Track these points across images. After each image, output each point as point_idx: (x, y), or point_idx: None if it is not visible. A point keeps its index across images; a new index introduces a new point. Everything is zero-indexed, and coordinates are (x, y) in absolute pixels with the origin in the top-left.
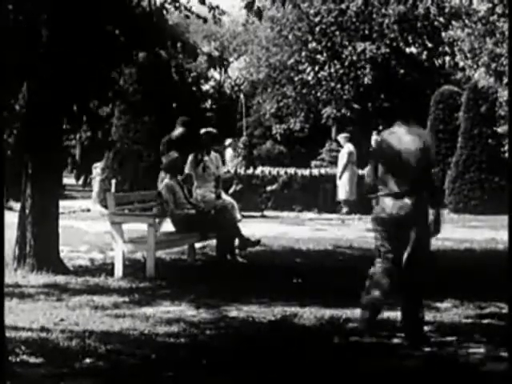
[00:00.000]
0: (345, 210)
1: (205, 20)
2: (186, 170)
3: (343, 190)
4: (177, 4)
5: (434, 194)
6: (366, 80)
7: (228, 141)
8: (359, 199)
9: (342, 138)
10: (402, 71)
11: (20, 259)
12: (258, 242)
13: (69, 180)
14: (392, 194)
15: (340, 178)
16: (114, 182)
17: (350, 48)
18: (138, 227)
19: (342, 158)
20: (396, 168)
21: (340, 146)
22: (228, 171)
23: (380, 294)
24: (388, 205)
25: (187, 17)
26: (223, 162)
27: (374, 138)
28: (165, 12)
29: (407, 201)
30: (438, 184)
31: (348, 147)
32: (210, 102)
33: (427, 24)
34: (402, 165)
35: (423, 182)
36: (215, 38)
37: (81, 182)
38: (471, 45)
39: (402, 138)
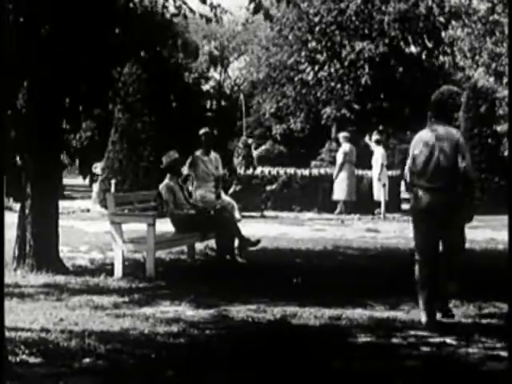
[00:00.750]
0: (338, 210)
1: (208, 19)
2: (186, 171)
3: (339, 189)
4: (177, 3)
5: (467, 186)
6: (365, 79)
7: (250, 140)
8: (358, 199)
9: (341, 137)
10: (401, 71)
11: (20, 259)
12: (257, 242)
13: (69, 180)
14: (429, 187)
15: (336, 177)
16: (113, 182)
17: (348, 48)
18: (137, 227)
19: (339, 158)
20: (432, 164)
21: (339, 144)
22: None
23: (429, 289)
24: (425, 198)
25: (186, 17)
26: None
27: (374, 138)
28: (165, 11)
29: (443, 194)
30: (477, 175)
31: (345, 147)
32: (210, 101)
33: (427, 23)
34: (438, 161)
35: (456, 175)
36: (215, 38)
37: (87, 180)
38: (471, 44)
39: (436, 136)
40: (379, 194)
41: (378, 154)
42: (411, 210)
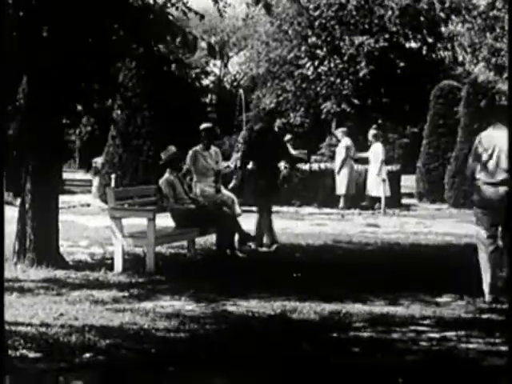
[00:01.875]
0: (341, 204)
1: (202, 16)
2: (186, 165)
3: (342, 184)
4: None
5: None
6: (364, 74)
7: (288, 136)
8: (357, 194)
9: (339, 132)
10: (401, 65)
11: (20, 254)
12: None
13: (69, 175)
14: (491, 182)
15: (338, 173)
16: (113, 176)
17: (348, 42)
18: (137, 222)
19: (340, 152)
20: (493, 161)
21: (338, 140)
22: (228, 166)
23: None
24: (487, 192)
25: (185, 13)
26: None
27: (371, 133)
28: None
29: (503, 187)
30: None
31: (345, 142)
32: (209, 96)
33: (428, 18)
34: (498, 158)
35: None
36: (215, 33)
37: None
38: (471, 39)
39: (497, 135)
40: (373, 188)
41: (378, 148)
42: (474, 202)
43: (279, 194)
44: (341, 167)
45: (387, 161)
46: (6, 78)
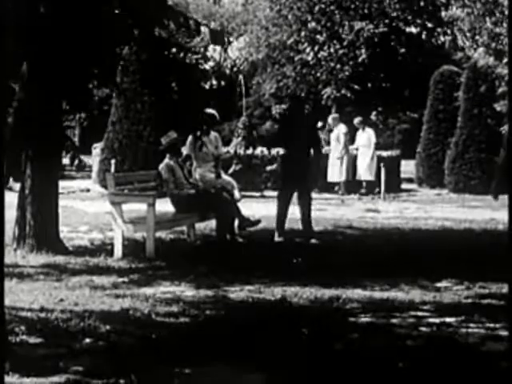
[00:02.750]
0: (342, 190)
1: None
2: (185, 151)
3: (343, 171)
4: None
5: None
6: (364, 59)
7: (320, 123)
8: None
9: (332, 119)
10: (401, 51)
11: (20, 239)
12: (257, 222)
13: (68, 160)
14: None
15: (342, 159)
16: (113, 162)
17: (347, 27)
18: (137, 207)
19: (338, 139)
20: None
21: (330, 127)
22: (228, 151)
23: None
24: None
25: None
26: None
27: (357, 120)
28: None
29: None
30: None
31: (341, 128)
32: (209, 82)
33: (428, 3)
34: None
35: None
36: (215, 18)
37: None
38: (471, 24)
39: None
40: (363, 173)
41: (370, 134)
42: None
43: (311, 180)
44: (344, 153)
45: (387, 146)
46: (6, 64)
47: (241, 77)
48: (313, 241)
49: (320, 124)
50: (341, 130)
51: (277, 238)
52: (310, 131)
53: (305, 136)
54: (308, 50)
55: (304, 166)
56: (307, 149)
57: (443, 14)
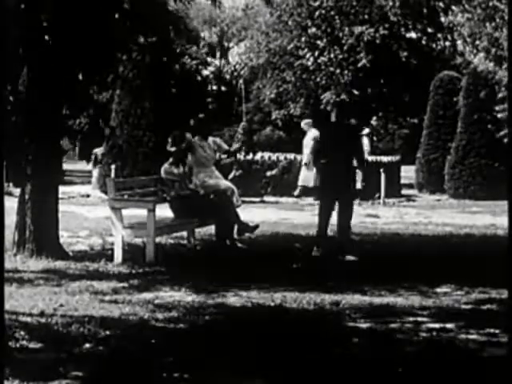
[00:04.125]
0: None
1: None
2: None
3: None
4: None
5: None
6: (364, 64)
7: (366, 130)
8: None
9: (305, 124)
10: (401, 56)
11: (20, 244)
12: (256, 227)
13: (69, 165)
14: None
15: (315, 164)
16: (113, 167)
17: (348, 32)
18: (137, 213)
19: (307, 145)
20: None
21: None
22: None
23: None
24: None
25: (189, 1)
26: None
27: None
28: None
29: None
30: None
31: (313, 133)
32: (209, 87)
33: (428, 8)
34: None
35: None
36: (215, 24)
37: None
38: (471, 30)
39: None
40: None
41: (364, 141)
42: None
43: (350, 191)
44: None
45: (387, 151)
46: (7, 67)
47: (241, 82)
48: (349, 257)
49: (366, 131)
50: (309, 135)
51: (315, 253)
52: (352, 139)
53: (346, 144)
54: (308, 55)
55: (345, 176)
56: (349, 157)
57: (443, 19)
